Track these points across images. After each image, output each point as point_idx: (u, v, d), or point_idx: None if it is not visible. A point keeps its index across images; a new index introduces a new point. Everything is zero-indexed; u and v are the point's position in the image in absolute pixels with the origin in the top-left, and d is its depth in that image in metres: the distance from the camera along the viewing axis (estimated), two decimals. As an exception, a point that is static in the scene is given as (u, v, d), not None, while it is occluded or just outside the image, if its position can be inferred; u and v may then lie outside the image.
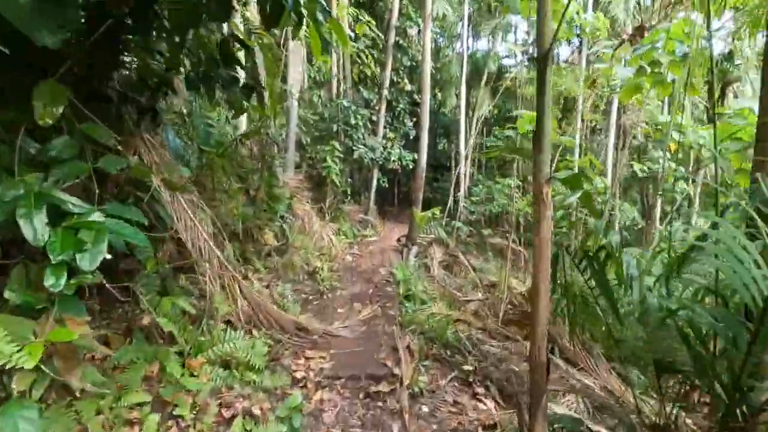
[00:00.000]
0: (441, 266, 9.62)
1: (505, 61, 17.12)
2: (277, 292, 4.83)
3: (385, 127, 12.91)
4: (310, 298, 5.49)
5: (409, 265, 9.06)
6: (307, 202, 9.17)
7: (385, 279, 6.87)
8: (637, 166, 10.54)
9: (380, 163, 12.44)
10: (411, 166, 13.75)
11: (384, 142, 12.55)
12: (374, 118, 12.24)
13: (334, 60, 11.89)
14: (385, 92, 12.57)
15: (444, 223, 10.82)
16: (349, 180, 11.63)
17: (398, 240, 11.32)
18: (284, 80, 7.92)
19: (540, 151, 1.71)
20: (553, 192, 1.74)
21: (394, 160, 12.41)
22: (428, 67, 9.96)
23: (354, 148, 10.94)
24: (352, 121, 10.90)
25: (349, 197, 12.04)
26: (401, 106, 13.36)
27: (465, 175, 14.48)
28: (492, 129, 18.66)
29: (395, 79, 12.81)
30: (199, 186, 4.10)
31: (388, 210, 19.71)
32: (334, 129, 10.75)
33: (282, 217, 6.19)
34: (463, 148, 14.83)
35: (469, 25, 14.63)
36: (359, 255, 9.32)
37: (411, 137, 14.61)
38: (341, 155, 10.22)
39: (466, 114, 14.59)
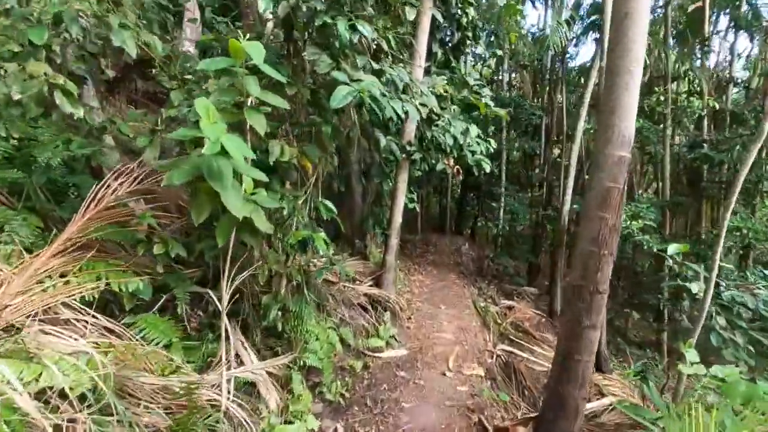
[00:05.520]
0: None
1: None
2: None
3: (428, 62, 5.02)
4: None
5: None
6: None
7: None
8: None
9: (435, 160, 4.46)
10: (484, 171, 5.80)
11: (434, 87, 4.50)
12: (403, 29, 4.35)
13: None
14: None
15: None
16: (330, 213, 3.41)
17: (496, 427, 3.28)
18: None
19: None
20: None
21: (475, 158, 4.45)
22: None
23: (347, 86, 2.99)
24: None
25: (331, 246, 4.12)
26: (469, 16, 5.43)
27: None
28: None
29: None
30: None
31: (408, 241, 11.25)
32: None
33: None
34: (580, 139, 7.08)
35: None
36: None
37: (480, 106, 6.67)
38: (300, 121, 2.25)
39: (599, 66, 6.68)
